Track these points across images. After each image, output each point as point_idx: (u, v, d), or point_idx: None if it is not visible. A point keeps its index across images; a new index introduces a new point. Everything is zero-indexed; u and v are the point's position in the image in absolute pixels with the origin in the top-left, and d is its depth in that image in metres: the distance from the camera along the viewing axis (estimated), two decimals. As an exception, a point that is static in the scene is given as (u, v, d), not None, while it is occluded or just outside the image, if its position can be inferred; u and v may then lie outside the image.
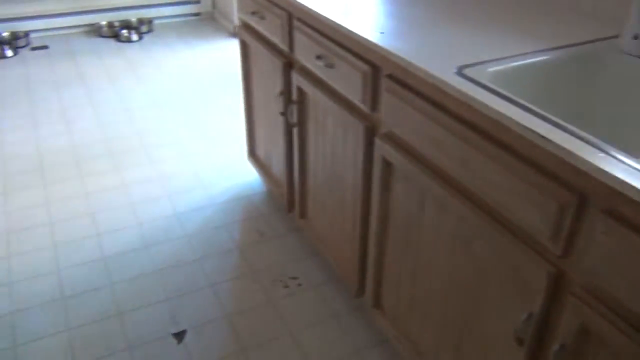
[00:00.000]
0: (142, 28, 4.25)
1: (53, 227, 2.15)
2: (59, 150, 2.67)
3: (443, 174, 1.19)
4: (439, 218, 1.24)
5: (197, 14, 4.63)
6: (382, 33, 1.34)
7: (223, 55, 3.85)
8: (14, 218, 2.19)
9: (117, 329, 1.71)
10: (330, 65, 1.53)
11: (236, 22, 4.21)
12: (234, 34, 4.23)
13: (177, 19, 4.54)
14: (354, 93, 1.44)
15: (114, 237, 2.10)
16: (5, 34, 3.94)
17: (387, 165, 1.38)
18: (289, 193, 2.05)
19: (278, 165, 2.11)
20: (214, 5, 4.62)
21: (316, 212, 1.89)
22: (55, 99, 3.18)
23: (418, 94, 1.21)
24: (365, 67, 1.37)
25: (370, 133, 1.43)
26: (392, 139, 1.34)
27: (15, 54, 3.80)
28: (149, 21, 4.34)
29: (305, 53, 1.66)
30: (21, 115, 2.99)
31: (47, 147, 2.70)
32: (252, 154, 2.38)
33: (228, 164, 2.60)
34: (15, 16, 4.02)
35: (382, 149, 1.37)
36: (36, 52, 3.86)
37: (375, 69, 1.35)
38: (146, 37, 4.18)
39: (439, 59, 1.19)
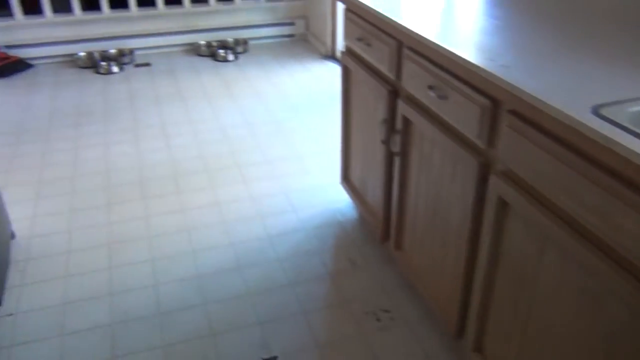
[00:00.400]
0: (238, 48, 4.38)
1: (151, 241, 2.21)
2: (158, 165, 2.77)
3: (571, 220, 1.10)
4: (562, 268, 1.14)
5: (291, 36, 4.71)
6: (505, 66, 1.27)
7: (316, 77, 3.88)
8: (115, 230, 2.28)
9: (210, 350, 1.72)
10: (443, 97, 1.48)
11: (329, 44, 4.25)
12: (326, 56, 4.26)
13: (272, 40, 4.64)
14: (469, 127, 1.38)
15: (207, 256, 2.13)
16: (113, 51, 4.18)
17: (503, 204, 1.30)
18: (384, 223, 2.00)
19: (374, 194, 2.07)
20: (307, 28, 4.69)
21: (414, 245, 1.82)
22: (155, 114, 3.32)
23: (546, 132, 1.13)
24: (484, 101, 1.30)
25: (485, 170, 1.36)
26: (511, 178, 1.26)
27: (121, 70, 4.01)
28: (245, 42, 4.46)
29: (415, 82, 1.61)
30: (124, 129, 3.14)
31: (147, 161, 2.80)
32: (346, 179, 2.35)
33: (320, 187, 2.58)
34: (121, 34, 4.26)
35: (498, 187, 1.29)
36: (139, 68, 4.06)
37: (495, 104, 1.28)
38: (242, 57, 4.29)
39: (570, 96, 1.11)
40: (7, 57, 3.92)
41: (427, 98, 1.56)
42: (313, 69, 4.04)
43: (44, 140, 3.01)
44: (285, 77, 3.89)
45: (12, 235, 2.18)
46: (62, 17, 4.15)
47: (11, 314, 1.84)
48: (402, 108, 1.71)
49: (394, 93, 1.77)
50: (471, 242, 1.47)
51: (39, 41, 4.08)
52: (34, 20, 4.10)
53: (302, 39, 4.71)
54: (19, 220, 2.29)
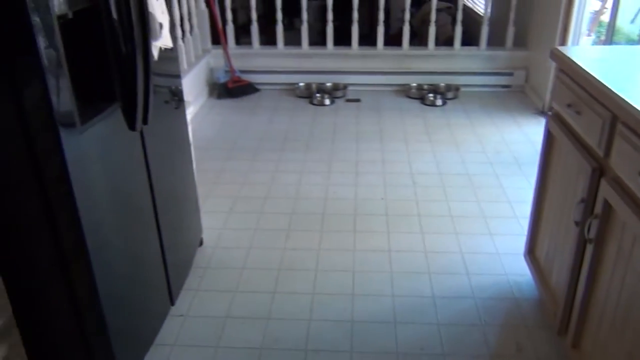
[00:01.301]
0: (448, 94, 4.31)
1: (316, 275, 2.24)
2: (342, 200, 2.82)
3: None
4: None
5: (507, 86, 4.49)
6: None
7: (524, 134, 3.62)
8: (288, 256, 2.37)
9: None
10: (655, 188, 1.23)
11: (547, 100, 3.94)
12: (542, 113, 3.95)
13: (486, 89, 4.48)
14: (684, 231, 1.12)
15: (366, 302, 2.09)
16: (329, 84, 4.44)
17: None
18: (565, 314, 1.74)
19: (559, 278, 1.82)
20: (526, 80, 4.42)
21: (595, 348, 1.54)
22: (352, 149, 3.42)
23: None
24: None
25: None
26: None
27: (332, 103, 4.23)
28: (457, 88, 4.37)
29: (625, 165, 1.38)
30: (321, 160, 3.28)
31: (333, 194, 2.88)
32: (530, 252, 2.12)
33: (501, 254, 2.37)
34: (339, 70, 4.50)
35: None
36: (349, 104, 4.23)
37: None
38: (450, 103, 4.21)
39: None
40: (240, 81, 4.41)
41: (636, 185, 1.31)
42: (524, 124, 3.78)
43: (251, 159, 3.29)
44: (491, 130, 3.70)
45: (201, 242, 2.41)
46: (291, 50, 4.55)
47: (181, 315, 2.02)
48: (605, 190, 1.47)
49: (599, 171, 1.53)
50: (666, 371, 1.19)
51: (268, 69, 4.53)
52: (268, 50, 4.57)
53: (518, 91, 4.45)
54: (210, 229, 2.52)
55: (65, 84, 1.26)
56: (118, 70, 1.53)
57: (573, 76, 1.72)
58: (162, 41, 1.76)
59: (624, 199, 1.37)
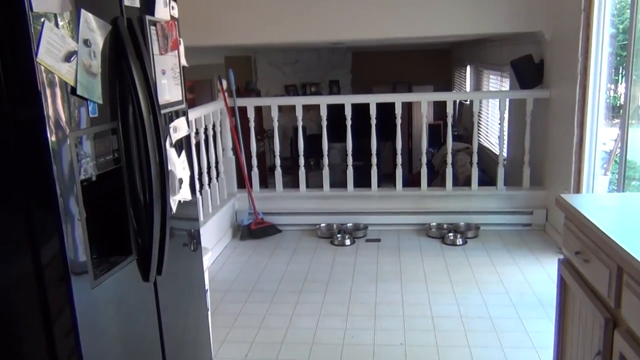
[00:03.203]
0: (468, 233, 4.33)
1: None
2: (359, 346, 2.75)
3: None
4: None
5: (527, 225, 4.49)
6: None
7: (548, 274, 3.55)
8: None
9: None
10: (666, 344, 1.19)
11: (568, 239, 3.91)
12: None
13: (506, 228, 4.48)
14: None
15: None
16: (349, 225, 4.52)
17: None
18: None
19: None
20: (547, 218, 4.43)
21: None
22: (372, 291, 3.39)
23: None
24: None
25: None
26: None
27: (352, 243, 4.28)
28: (477, 227, 4.40)
29: (636, 318, 1.35)
30: (340, 302, 3.25)
31: (351, 340, 2.81)
32: (558, 407, 1.99)
33: (528, 408, 2.23)
34: (360, 211, 4.61)
35: None
36: (369, 243, 4.28)
37: None
38: (470, 242, 4.21)
39: None
40: (263, 222, 4.54)
41: (649, 340, 1.28)
42: (546, 264, 3.72)
43: (269, 302, 3.28)
44: (513, 270, 3.65)
45: (212, 393, 2.34)
46: (313, 192, 4.72)
47: None
48: (620, 344, 1.42)
49: (612, 322, 1.50)
50: None
51: (290, 211, 4.66)
52: (290, 193, 4.75)
53: (540, 230, 4.44)
54: (223, 377, 2.46)
55: (82, 240, 1.34)
56: (135, 225, 1.62)
57: (578, 224, 1.74)
58: (181, 195, 1.88)
59: (638, 354, 1.32)
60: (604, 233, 1.52)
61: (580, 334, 1.75)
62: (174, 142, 1.87)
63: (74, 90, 1.34)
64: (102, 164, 1.47)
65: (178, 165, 1.86)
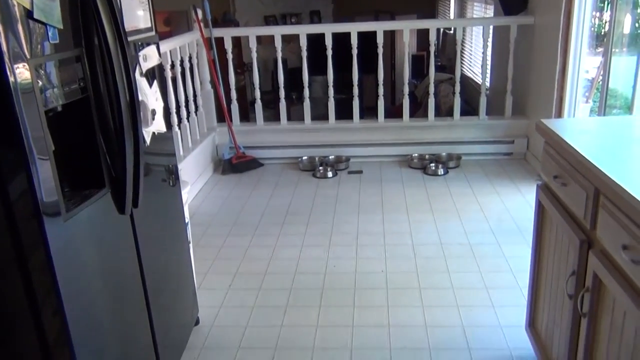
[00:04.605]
0: (449, 163, 4.34)
1: (314, 354, 2.19)
2: (343, 274, 2.80)
3: None
4: None
5: (508, 154, 4.52)
6: None
7: (527, 202, 3.60)
8: (286, 334, 2.33)
9: None
10: (638, 262, 1.21)
11: (548, 167, 3.94)
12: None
13: (487, 157, 4.51)
14: (668, 307, 1.09)
15: (365, 382, 2.03)
16: (331, 157, 4.50)
17: None
18: (567, 392, 1.67)
19: (558, 351, 1.76)
20: (528, 147, 4.45)
21: None
22: (354, 222, 3.42)
23: None
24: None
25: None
26: None
27: (335, 175, 4.28)
28: (458, 157, 4.41)
29: (610, 238, 1.37)
30: (322, 232, 3.28)
31: (333, 269, 2.86)
32: (532, 325, 2.06)
33: (504, 327, 2.31)
34: (342, 143, 4.58)
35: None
36: (351, 175, 4.28)
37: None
38: (452, 172, 4.24)
39: None
40: (244, 156, 4.50)
41: (622, 260, 1.30)
42: (526, 192, 3.77)
43: (251, 234, 3.30)
44: (494, 198, 3.70)
45: (197, 322, 2.38)
46: (295, 125, 4.66)
47: (174, 400, 1.97)
48: (594, 264, 1.45)
49: (587, 243, 1.52)
50: None
51: (272, 144, 4.62)
52: (272, 126, 4.69)
53: (520, 159, 4.47)
54: (207, 307, 2.50)
55: (50, 174, 1.30)
56: (107, 157, 1.57)
57: (557, 149, 1.74)
58: (155, 127, 1.82)
59: (611, 273, 1.35)
60: (583, 156, 1.52)
61: (556, 256, 1.78)
62: (144, 71, 1.80)
63: (30, 14, 1.25)
64: (68, 94, 1.40)
65: (150, 95, 1.80)
